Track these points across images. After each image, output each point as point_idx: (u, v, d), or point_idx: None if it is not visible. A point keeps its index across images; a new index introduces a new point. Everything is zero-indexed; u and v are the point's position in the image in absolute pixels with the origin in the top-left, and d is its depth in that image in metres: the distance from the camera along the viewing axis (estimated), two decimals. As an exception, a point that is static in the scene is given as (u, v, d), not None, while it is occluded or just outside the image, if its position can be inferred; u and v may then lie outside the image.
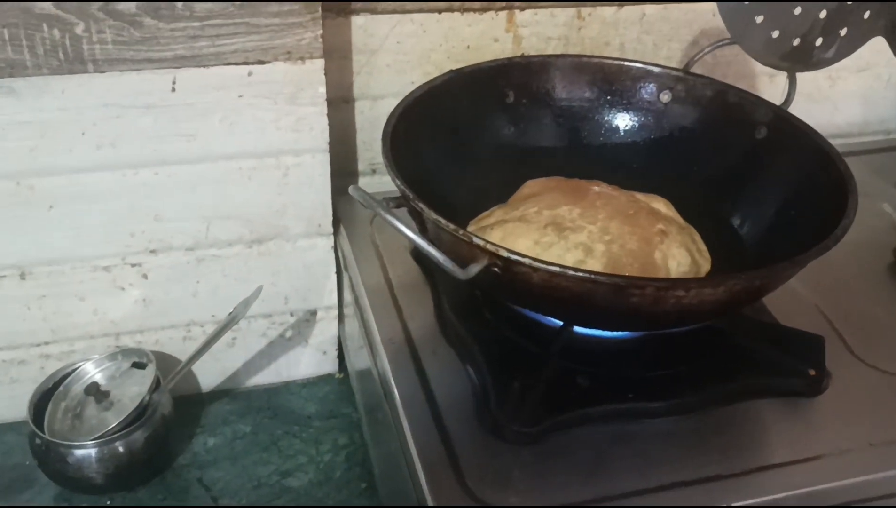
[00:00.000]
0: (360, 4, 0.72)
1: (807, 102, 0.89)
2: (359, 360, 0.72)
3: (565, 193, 0.65)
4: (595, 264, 0.58)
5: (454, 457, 0.53)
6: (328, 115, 0.68)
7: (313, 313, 0.78)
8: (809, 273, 0.57)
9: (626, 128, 0.75)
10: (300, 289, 0.76)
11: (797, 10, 0.61)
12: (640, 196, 0.66)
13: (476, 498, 0.50)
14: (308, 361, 0.80)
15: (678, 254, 0.61)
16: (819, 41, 0.63)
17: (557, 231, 0.60)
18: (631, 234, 0.61)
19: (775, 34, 0.61)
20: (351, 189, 0.53)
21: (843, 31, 0.63)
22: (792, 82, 0.70)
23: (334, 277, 0.76)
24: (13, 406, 0.71)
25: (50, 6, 0.58)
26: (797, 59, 0.62)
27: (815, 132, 0.66)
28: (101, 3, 0.58)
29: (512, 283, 0.52)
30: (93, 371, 0.71)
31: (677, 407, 0.57)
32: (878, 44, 0.89)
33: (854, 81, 0.91)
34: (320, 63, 0.65)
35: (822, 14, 0.61)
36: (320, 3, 0.63)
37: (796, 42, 0.62)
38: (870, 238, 0.74)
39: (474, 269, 0.50)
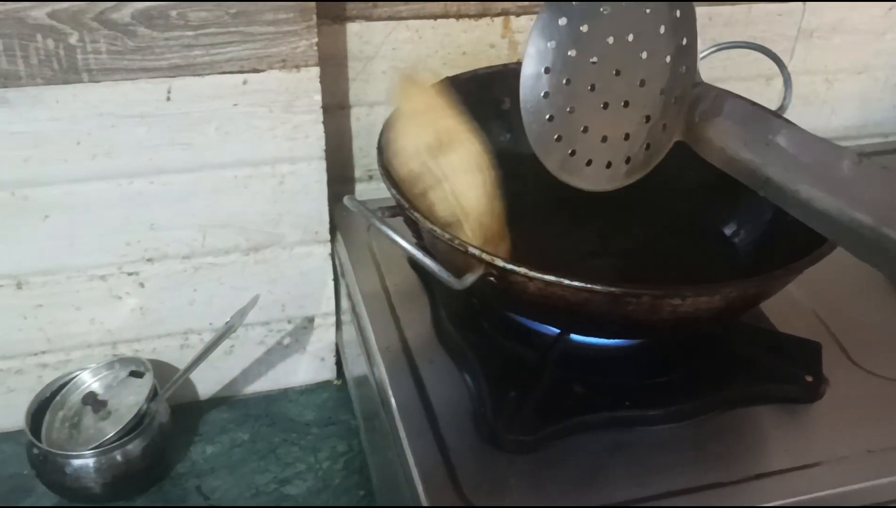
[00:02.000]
0: (355, 11, 0.71)
1: (804, 105, 0.89)
2: (356, 367, 0.72)
3: None
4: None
5: (451, 465, 0.53)
6: (324, 121, 0.68)
7: (311, 320, 0.78)
8: (807, 279, 0.56)
9: (622, 133, 0.75)
10: (297, 297, 0.76)
11: (582, 129, 0.61)
12: None
13: (472, 507, 0.50)
14: (306, 368, 0.80)
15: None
16: (616, 159, 0.61)
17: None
18: None
19: (569, 151, 0.62)
20: (345, 200, 0.53)
21: (645, 147, 0.60)
22: (788, 86, 0.70)
23: (331, 284, 0.76)
24: (10, 416, 0.71)
25: (44, 16, 0.58)
26: (594, 180, 0.61)
27: (812, 136, 0.66)
28: (95, 12, 0.58)
29: (508, 292, 0.52)
30: (90, 381, 0.71)
31: (674, 415, 0.57)
32: (875, 44, 0.89)
33: (851, 83, 0.91)
34: (315, 71, 0.65)
35: (619, 133, 0.60)
36: (315, 10, 0.63)
37: (593, 162, 0.61)
38: (867, 242, 0.74)
39: (470, 278, 0.50)
